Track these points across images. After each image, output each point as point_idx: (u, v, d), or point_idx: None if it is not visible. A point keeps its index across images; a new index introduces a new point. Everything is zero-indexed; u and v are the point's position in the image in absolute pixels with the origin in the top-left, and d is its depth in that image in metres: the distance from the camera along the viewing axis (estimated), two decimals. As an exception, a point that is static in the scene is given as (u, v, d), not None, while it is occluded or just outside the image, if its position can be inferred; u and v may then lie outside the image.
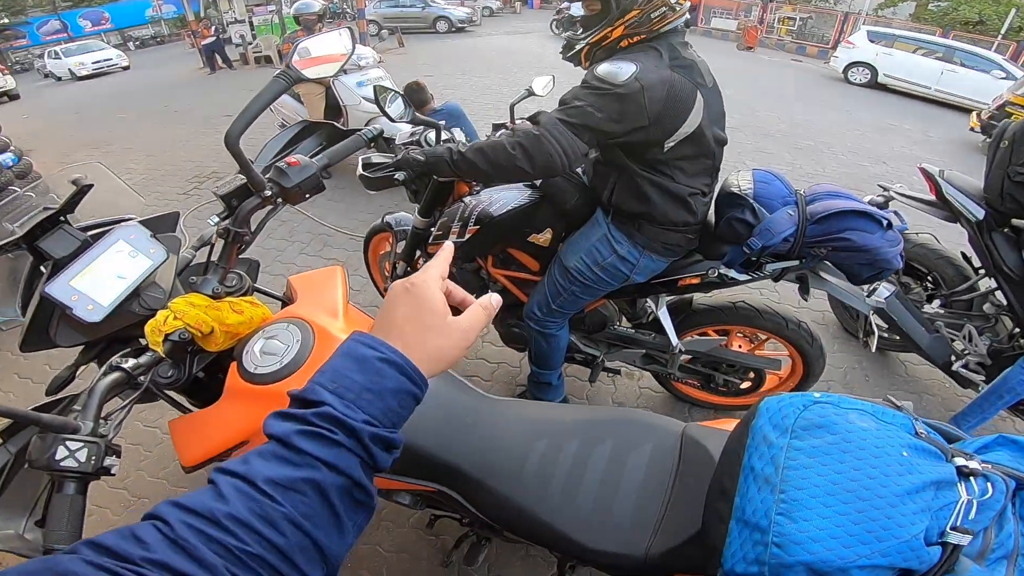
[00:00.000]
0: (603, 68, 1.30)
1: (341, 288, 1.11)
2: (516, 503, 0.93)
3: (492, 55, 10.40)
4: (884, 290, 2.34)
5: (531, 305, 1.73)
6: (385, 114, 1.60)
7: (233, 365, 0.92)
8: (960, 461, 0.80)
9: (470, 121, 3.66)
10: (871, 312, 1.85)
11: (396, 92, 1.65)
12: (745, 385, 2.06)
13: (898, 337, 2.45)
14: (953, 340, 2.25)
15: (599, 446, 0.98)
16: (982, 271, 2.21)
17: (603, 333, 1.93)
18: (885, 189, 2.36)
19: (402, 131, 1.91)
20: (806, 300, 1.67)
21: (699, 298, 1.87)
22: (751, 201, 1.48)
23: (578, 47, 1.45)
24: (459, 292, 0.54)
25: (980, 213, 2.05)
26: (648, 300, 1.83)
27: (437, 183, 1.73)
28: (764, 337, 1.93)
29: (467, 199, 1.67)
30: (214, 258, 1.05)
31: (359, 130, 1.32)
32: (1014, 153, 1.93)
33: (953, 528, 0.74)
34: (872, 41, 10.73)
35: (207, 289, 0.99)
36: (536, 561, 1.65)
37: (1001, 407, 2.00)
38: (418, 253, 2.02)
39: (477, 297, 0.54)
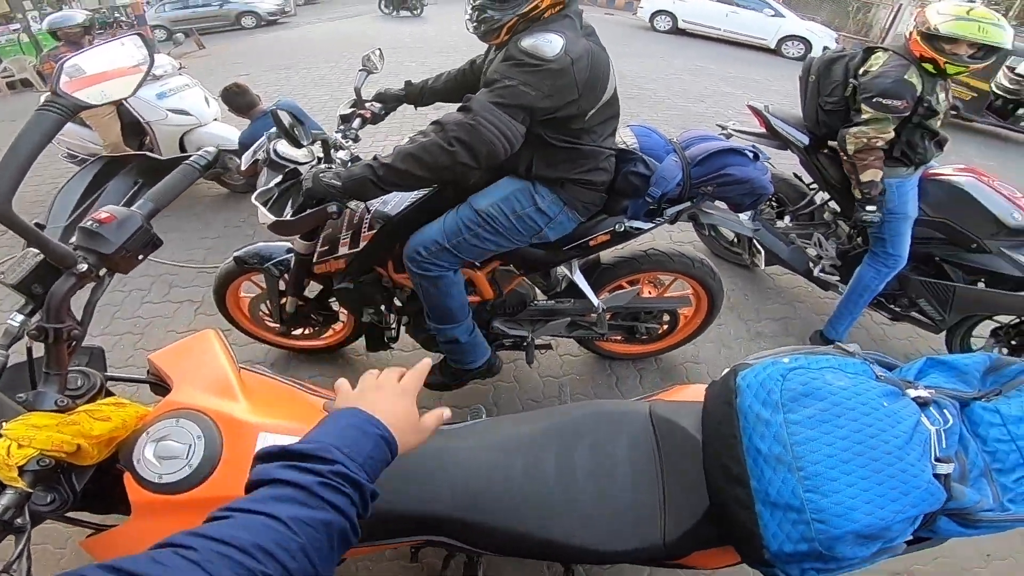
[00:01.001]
0: (529, 42, 1.22)
1: (223, 356, 0.94)
2: (517, 531, 0.88)
3: (318, 44, 9.45)
4: (746, 217, 2.63)
5: (414, 245, 1.51)
6: (292, 139, 1.39)
7: (127, 477, 0.80)
8: (913, 393, 0.87)
9: (310, 117, 3.27)
10: (754, 234, 2.03)
11: (290, 115, 1.41)
12: (662, 329, 2.18)
13: (763, 252, 2.77)
14: (806, 248, 2.61)
15: (577, 449, 0.94)
16: (815, 186, 2.57)
17: (525, 312, 1.89)
18: (723, 127, 2.61)
19: (247, 154, 1.62)
20: (705, 234, 1.76)
21: (606, 255, 1.91)
22: (641, 154, 1.55)
23: (503, 21, 1.31)
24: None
25: (805, 139, 2.36)
26: (561, 268, 1.81)
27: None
28: (669, 280, 2.05)
29: (352, 204, 1.48)
30: (42, 357, 0.80)
31: (187, 157, 1.00)
32: (821, 86, 2.24)
33: (937, 460, 0.80)
34: None
35: (47, 404, 0.76)
36: (534, 564, 1.59)
37: (863, 305, 2.35)
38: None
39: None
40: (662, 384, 2.25)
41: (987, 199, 2.11)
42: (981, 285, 2.22)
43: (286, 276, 1.81)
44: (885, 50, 2.06)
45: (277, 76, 7.14)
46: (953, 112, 7.35)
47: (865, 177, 2.05)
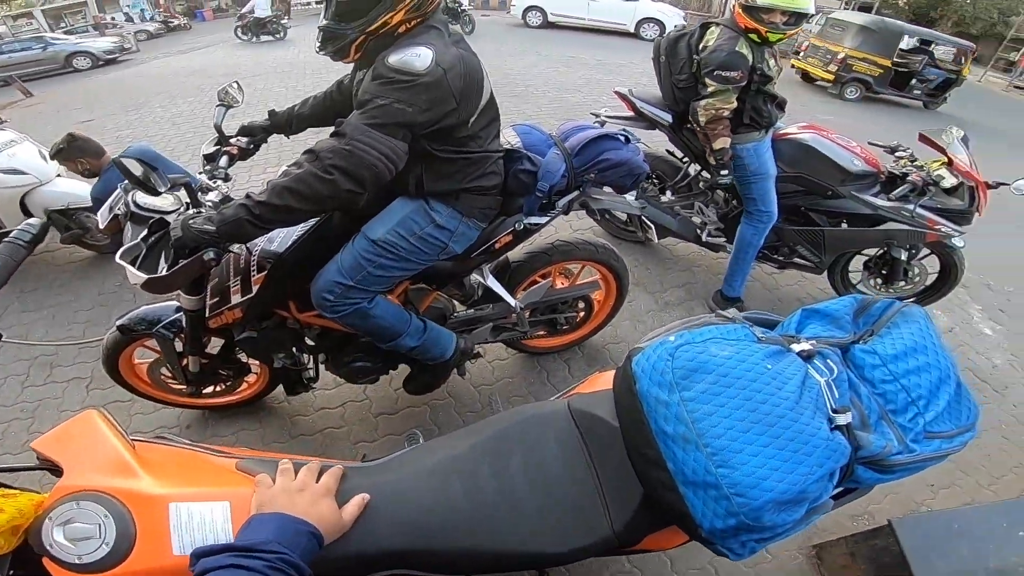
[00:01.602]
0: (396, 58, 1.17)
1: (111, 434, 0.90)
2: (472, 550, 0.88)
3: (172, 80, 8.53)
4: (631, 195, 2.73)
5: (317, 291, 1.43)
6: (147, 188, 1.24)
7: (47, 562, 0.78)
8: (796, 347, 0.88)
9: (169, 159, 2.92)
10: (641, 212, 2.12)
11: (140, 162, 1.23)
12: (580, 317, 2.22)
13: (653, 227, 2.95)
14: (691, 217, 2.76)
15: (510, 459, 0.94)
16: (686, 160, 2.72)
17: (447, 326, 1.85)
18: (596, 115, 2.69)
19: (103, 210, 1.43)
20: (598, 219, 1.79)
21: (514, 254, 1.90)
22: (526, 152, 1.57)
23: (350, 39, 1.25)
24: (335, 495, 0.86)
25: (668, 117, 2.50)
26: (473, 275, 1.80)
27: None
28: (577, 268, 2.09)
29: (234, 248, 1.38)
30: None
31: (6, 233, 0.85)
32: (671, 65, 2.37)
33: (834, 411, 0.81)
34: None
35: None
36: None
37: (750, 260, 2.51)
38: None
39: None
40: (589, 370, 2.28)
41: (829, 151, 2.35)
42: (844, 226, 2.47)
43: (182, 336, 1.65)
44: (717, 25, 2.21)
45: (127, 119, 6.35)
46: (865, 87, 8.58)
47: (717, 145, 2.21)
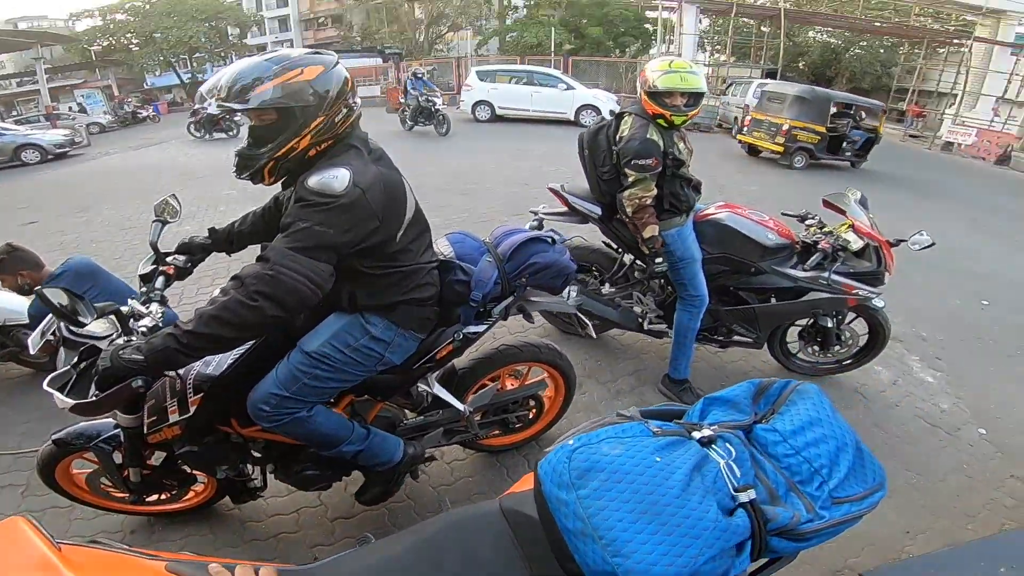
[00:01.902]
0: (315, 180, 1.20)
1: (36, 539, 0.88)
2: None
3: (122, 178, 8.41)
4: (573, 291, 2.81)
5: (253, 403, 1.41)
6: (73, 321, 1.24)
7: None
8: (697, 434, 0.95)
9: (112, 274, 2.80)
10: (576, 310, 2.17)
11: (65, 291, 1.24)
12: (533, 414, 2.21)
13: (598, 322, 2.97)
14: (632, 307, 2.82)
15: (445, 560, 0.94)
16: (620, 251, 2.82)
17: (397, 433, 1.81)
18: (535, 213, 2.82)
19: (34, 335, 1.42)
20: (531, 323, 1.91)
21: (461, 360, 1.90)
22: (458, 262, 1.61)
23: (260, 163, 1.28)
24: None
25: (598, 210, 2.60)
26: (419, 385, 1.79)
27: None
28: (525, 368, 2.10)
29: (169, 372, 1.40)
30: None
31: None
32: (594, 158, 2.47)
33: (736, 490, 0.87)
34: (482, 80, 13.00)
35: None
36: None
37: (690, 343, 2.56)
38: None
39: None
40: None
41: (745, 227, 2.48)
42: (773, 300, 2.57)
43: (121, 449, 1.60)
44: (630, 114, 2.31)
45: (74, 221, 6.06)
46: (809, 155, 9.36)
47: (646, 234, 2.29)
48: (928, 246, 2.41)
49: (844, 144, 9.50)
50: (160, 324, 1.41)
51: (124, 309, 1.38)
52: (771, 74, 16.92)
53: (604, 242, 2.90)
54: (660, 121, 2.23)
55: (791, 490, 0.93)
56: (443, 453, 2.29)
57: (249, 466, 1.72)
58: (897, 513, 2.08)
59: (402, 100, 11.35)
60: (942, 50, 18.83)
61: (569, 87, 12.34)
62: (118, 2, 25.34)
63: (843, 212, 2.53)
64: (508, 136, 10.70)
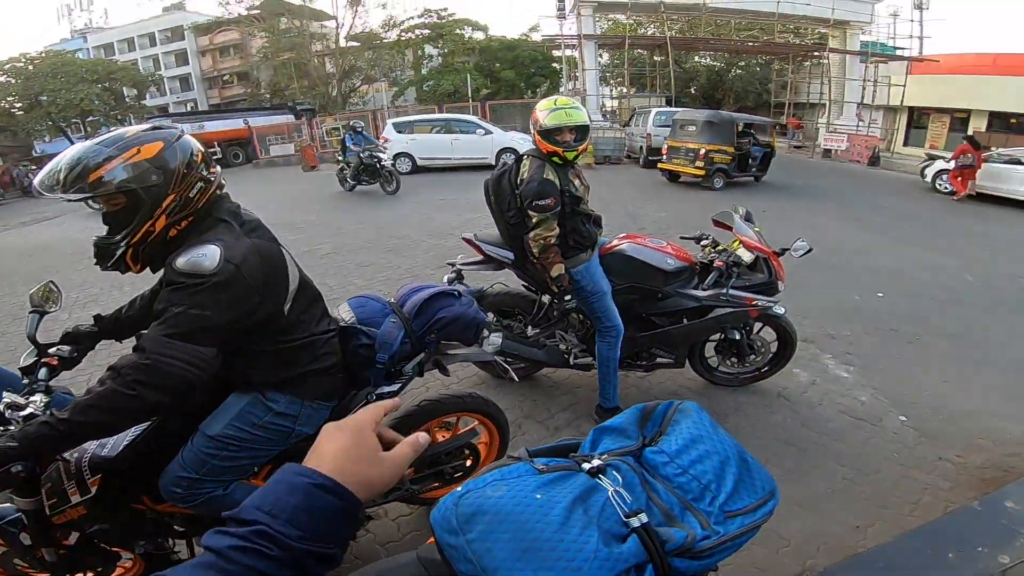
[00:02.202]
0: (183, 262, 1.16)
1: None
2: None
3: (11, 259, 7.46)
4: (495, 337, 2.81)
5: (164, 487, 1.37)
6: None
7: None
8: (587, 465, 0.97)
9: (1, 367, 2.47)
10: (494, 357, 2.17)
11: None
12: (470, 463, 2.15)
13: (526, 364, 2.97)
14: (557, 344, 2.86)
15: None
16: (538, 292, 2.87)
17: None
18: (452, 264, 2.83)
19: None
20: (448, 376, 1.89)
21: (386, 419, 1.82)
22: (359, 327, 1.60)
23: (118, 252, 1.23)
24: (389, 433, 0.65)
25: (511, 255, 2.64)
26: None
27: None
28: (454, 419, 2.07)
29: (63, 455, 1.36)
30: None
31: None
32: (500, 204, 2.51)
33: (627, 516, 0.87)
34: (400, 131, 12.97)
35: None
36: None
37: (614, 372, 2.61)
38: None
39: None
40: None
41: (645, 255, 2.61)
42: (685, 321, 2.70)
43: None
44: (528, 156, 2.40)
45: None
46: (726, 175, 10.16)
47: (554, 273, 2.36)
48: (807, 252, 2.64)
49: (749, 161, 10.49)
50: (39, 413, 1.32)
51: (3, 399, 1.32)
52: (668, 101, 18.45)
53: (524, 285, 2.94)
54: (555, 159, 2.33)
55: (686, 508, 0.95)
56: (386, 511, 2.24)
57: (172, 540, 1.65)
58: (844, 510, 2.16)
59: (340, 158, 10.51)
60: (806, 63, 21.29)
61: (487, 132, 12.58)
62: (-4, 63, 23.24)
63: (731, 229, 2.72)
64: (431, 187, 10.71)
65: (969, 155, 10.07)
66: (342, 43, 26.08)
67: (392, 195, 9.87)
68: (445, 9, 26.79)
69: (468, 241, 2.84)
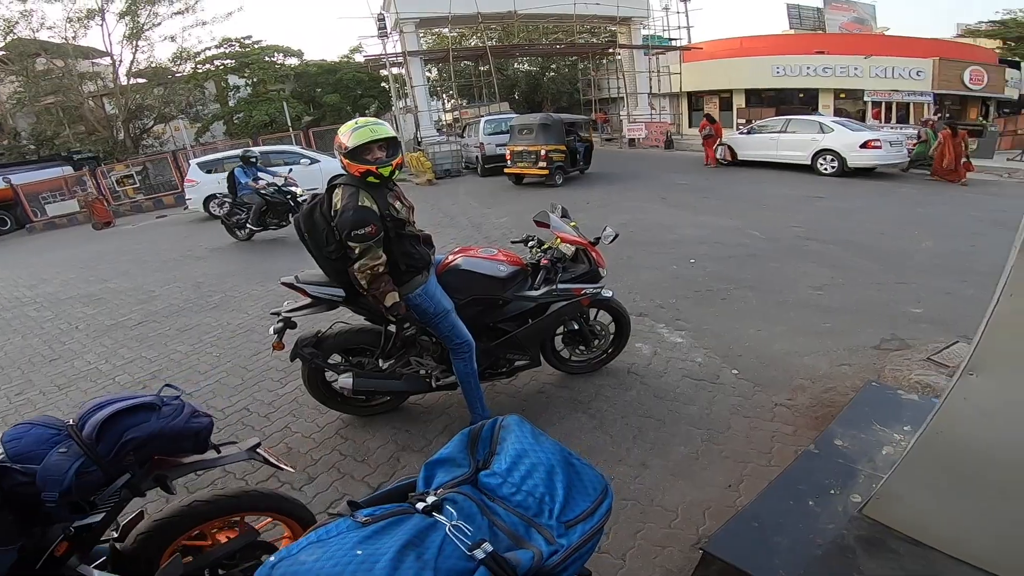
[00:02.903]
0: None
1: None
2: None
3: None
4: (344, 379, 2.61)
5: None
6: None
7: None
8: (421, 504, 0.92)
9: None
10: (246, 457, 1.67)
11: None
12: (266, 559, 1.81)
13: (390, 398, 2.86)
14: (417, 371, 2.76)
15: None
16: (381, 323, 2.71)
17: None
18: (277, 314, 2.56)
19: None
20: (174, 493, 1.51)
21: (123, 545, 1.52)
22: (12, 465, 1.25)
23: None
24: None
25: (341, 292, 2.47)
26: None
27: None
28: (237, 517, 1.74)
29: None
30: None
31: None
32: (315, 239, 2.32)
33: (470, 549, 0.83)
34: (209, 171, 11.40)
35: None
36: None
37: (476, 386, 2.59)
38: None
39: None
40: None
41: (479, 267, 2.64)
42: (530, 321, 2.78)
43: None
44: (340, 185, 2.24)
45: None
46: (564, 172, 10.90)
47: (388, 302, 2.25)
48: (615, 237, 2.92)
49: (577, 156, 11.45)
50: None
51: None
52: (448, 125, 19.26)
53: (366, 318, 2.76)
54: (371, 179, 2.20)
55: (530, 526, 0.93)
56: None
57: None
58: (711, 471, 2.33)
59: (229, 200, 8.36)
60: (603, 60, 23.89)
61: (314, 161, 11.80)
62: None
63: (548, 227, 2.89)
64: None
65: (707, 128, 12.96)
66: (123, 81, 22.37)
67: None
68: (248, 37, 24.65)
69: (290, 285, 2.59)
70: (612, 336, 3.18)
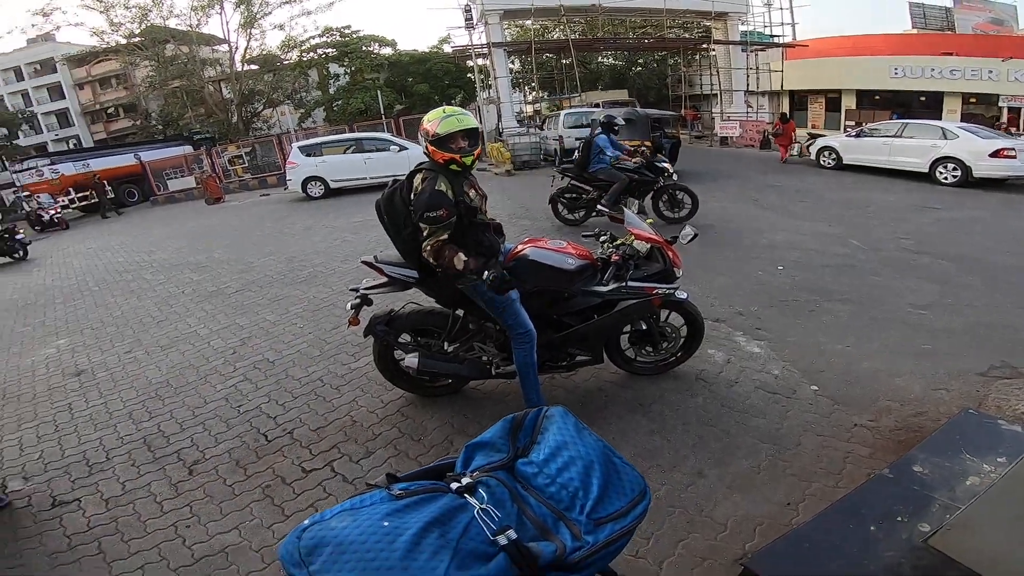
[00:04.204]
0: None
1: None
2: None
3: None
4: (412, 358, 2.72)
5: None
6: None
7: None
8: (455, 484, 0.95)
9: None
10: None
11: None
12: None
13: (451, 381, 2.94)
14: (479, 356, 2.81)
15: None
16: (449, 307, 2.79)
17: None
18: (356, 291, 2.72)
19: None
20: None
21: None
22: None
23: None
24: None
25: (415, 273, 2.58)
26: None
27: None
28: None
29: None
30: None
31: None
32: (394, 222, 2.45)
33: (495, 534, 0.85)
34: (309, 155, 12.43)
35: None
36: None
37: (534, 377, 2.59)
38: None
39: None
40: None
41: (547, 258, 2.62)
42: (596, 317, 2.73)
43: None
44: (420, 170, 2.35)
45: None
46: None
47: (457, 264, 2.26)
48: (694, 237, 2.78)
49: (661, 152, 11.09)
50: None
51: None
52: (557, 106, 19.03)
53: (436, 301, 2.84)
54: (453, 166, 2.30)
55: (559, 519, 0.93)
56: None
57: None
58: (773, 488, 2.20)
59: (570, 175, 6.72)
60: (696, 56, 22.81)
61: (403, 148, 12.26)
62: None
63: (623, 222, 2.80)
64: (345, 210, 10.27)
65: (778, 127, 13.68)
66: (238, 67, 24.67)
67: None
68: (348, 27, 26.20)
69: (369, 264, 2.75)
70: (683, 340, 3.04)
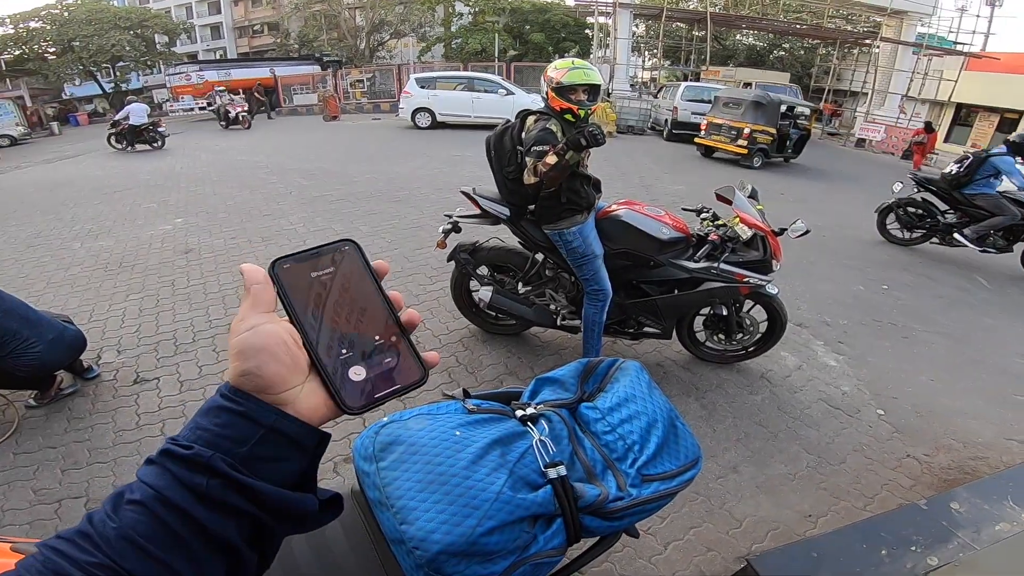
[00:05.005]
0: None
1: None
2: None
3: (31, 193, 7.64)
4: (485, 291, 2.84)
5: None
6: None
7: None
8: (520, 412, 0.98)
9: (14, 297, 2.42)
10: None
11: None
12: None
13: (514, 321, 3.02)
14: (547, 304, 2.87)
15: (294, 546, 0.95)
16: (531, 250, 2.85)
17: None
18: (449, 216, 2.83)
19: None
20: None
21: None
22: None
23: None
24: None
25: (506, 211, 2.64)
26: None
27: None
28: None
29: None
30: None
31: None
32: (500, 159, 2.50)
33: (546, 467, 0.89)
34: (422, 87, 12.88)
35: None
36: None
37: (598, 336, 2.62)
38: None
39: None
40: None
41: (641, 223, 2.57)
42: (676, 292, 2.68)
43: None
44: (534, 113, 2.39)
45: None
46: (765, 155, 10.07)
47: (551, 160, 2.19)
48: (804, 233, 2.58)
49: (786, 143, 10.30)
50: None
51: None
52: (696, 76, 17.74)
53: (520, 242, 2.91)
54: (568, 116, 2.32)
55: (608, 467, 0.95)
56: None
57: None
58: (801, 498, 2.15)
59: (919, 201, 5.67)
60: (854, 51, 20.27)
61: (509, 92, 12.39)
62: (32, 10, 23.42)
63: (731, 203, 2.66)
64: (447, 142, 10.65)
65: (921, 135, 13.11)
66: (374, -5, 25.37)
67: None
68: (480, -35, 25.87)
69: (467, 195, 2.83)
70: (760, 336, 2.91)
